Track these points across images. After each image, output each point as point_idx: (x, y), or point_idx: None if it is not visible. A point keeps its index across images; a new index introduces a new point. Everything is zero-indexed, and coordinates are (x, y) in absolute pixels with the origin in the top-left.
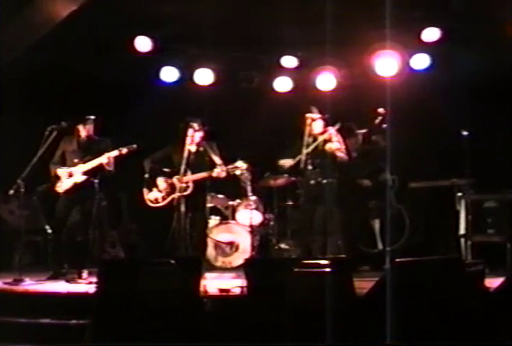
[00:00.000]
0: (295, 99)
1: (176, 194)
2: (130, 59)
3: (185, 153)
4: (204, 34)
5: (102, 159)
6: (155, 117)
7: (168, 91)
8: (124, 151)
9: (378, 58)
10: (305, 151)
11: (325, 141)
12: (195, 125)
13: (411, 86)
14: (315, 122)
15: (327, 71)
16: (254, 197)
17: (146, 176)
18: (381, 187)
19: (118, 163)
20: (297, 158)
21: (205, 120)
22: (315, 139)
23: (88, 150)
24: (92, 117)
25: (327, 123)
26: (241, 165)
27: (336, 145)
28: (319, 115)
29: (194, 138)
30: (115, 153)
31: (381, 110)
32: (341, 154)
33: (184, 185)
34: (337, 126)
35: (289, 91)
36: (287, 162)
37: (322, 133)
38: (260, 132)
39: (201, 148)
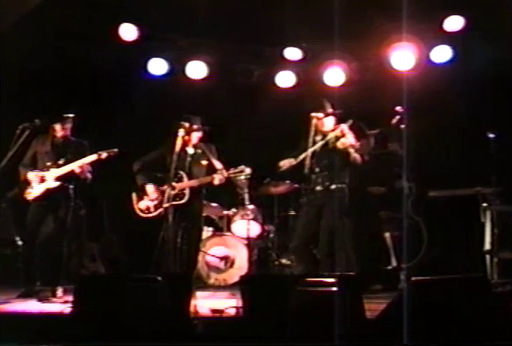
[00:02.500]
0: (299, 95)
1: (170, 203)
2: (113, 49)
3: (175, 156)
4: (197, 21)
5: (78, 164)
6: (141, 115)
7: (156, 85)
8: (103, 155)
9: (393, 51)
10: (311, 150)
11: (336, 138)
12: (188, 125)
13: (430, 82)
14: (326, 119)
15: (335, 65)
16: (252, 206)
17: (136, 181)
18: (396, 195)
19: (98, 168)
20: (300, 158)
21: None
22: (324, 137)
23: (63, 152)
24: (71, 115)
25: (339, 120)
26: (245, 170)
27: (350, 140)
28: (330, 110)
29: (191, 138)
30: (92, 157)
31: (399, 109)
32: (355, 153)
33: (179, 192)
34: (349, 123)
35: (292, 87)
36: (287, 162)
37: (333, 130)
38: (259, 132)
39: (199, 151)
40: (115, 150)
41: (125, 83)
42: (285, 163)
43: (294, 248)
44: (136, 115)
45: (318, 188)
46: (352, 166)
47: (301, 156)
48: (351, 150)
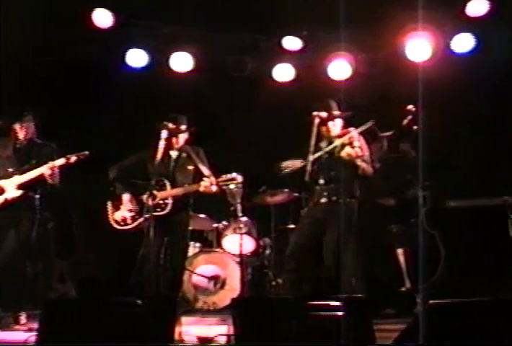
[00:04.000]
0: (299, 91)
1: (150, 214)
2: (87, 38)
3: (157, 161)
4: (182, 6)
5: (44, 169)
6: (118, 113)
7: (135, 79)
8: (73, 158)
9: (408, 40)
10: (312, 157)
11: (343, 146)
12: (173, 125)
13: (450, 74)
14: (332, 123)
15: (340, 57)
16: (245, 218)
17: (112, 189)
18: (409, 206)
19: (68, 174)
20: (310, 159)
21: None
22: (330, 143)
23: (26, 157)
24: (31, 112)
25: (348, 123)
26: (237, 178)
27: (357, 150)
28: (337, 113)
29: (177, 140)
30: (60, 161)
31: (411, 107)
32: (363, 164)
33: (161, 202)
34: (367, 126)
35: (291, 81)
36: (292, 164)
37: (341, 136)
38: (253, 134)
39: (184, 155)
40: (86, 152)
41: (99, 76)
42: (289, 165)
43: (286, 260)
44: (113, 114)
45: (323, 200)
46: (362, 178)
47: (310, 158)
48: (358, 161)
